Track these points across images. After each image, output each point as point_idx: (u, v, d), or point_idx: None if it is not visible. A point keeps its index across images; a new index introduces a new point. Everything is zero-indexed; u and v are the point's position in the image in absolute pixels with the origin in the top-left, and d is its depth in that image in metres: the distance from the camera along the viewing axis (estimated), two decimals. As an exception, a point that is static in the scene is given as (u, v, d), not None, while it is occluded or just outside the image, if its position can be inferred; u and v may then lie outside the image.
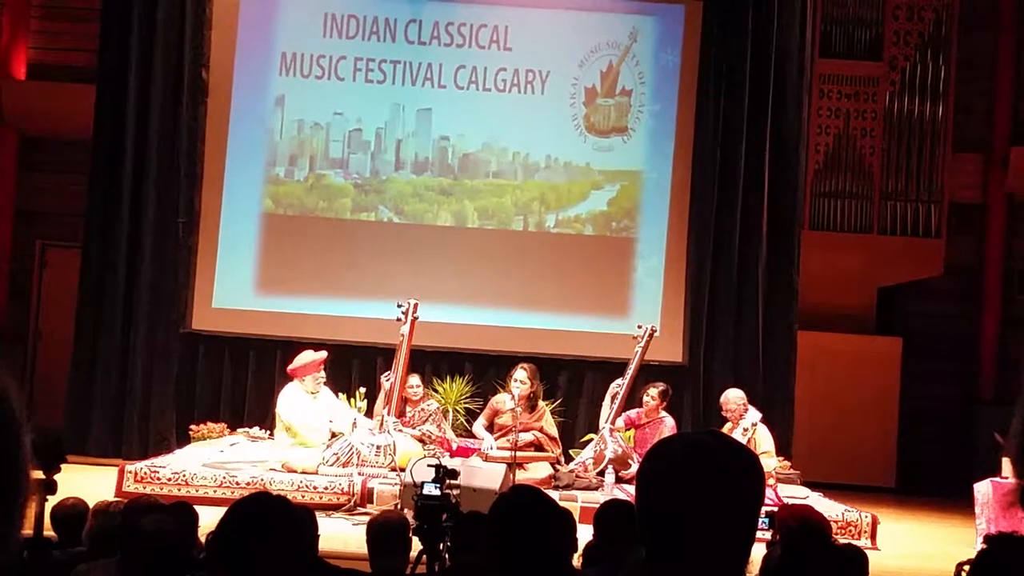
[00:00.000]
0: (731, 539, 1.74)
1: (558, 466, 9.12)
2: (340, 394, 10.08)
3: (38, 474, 3.87)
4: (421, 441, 9.22)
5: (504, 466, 8.26)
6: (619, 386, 9.36)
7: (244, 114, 11.19)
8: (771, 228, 11.01)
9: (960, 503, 9.61)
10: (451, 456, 8.92)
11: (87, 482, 7.89)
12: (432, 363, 10.92)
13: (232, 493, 8.12)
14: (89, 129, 10.91)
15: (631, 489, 7.78)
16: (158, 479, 8.56)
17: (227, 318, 11.04)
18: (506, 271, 11.16)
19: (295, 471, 8.72)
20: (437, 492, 5.13)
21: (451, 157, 11.30)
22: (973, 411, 12.05)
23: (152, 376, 10.74)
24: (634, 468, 8.67)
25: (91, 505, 4.77)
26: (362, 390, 10.38)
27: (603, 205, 11.26)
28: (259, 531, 2.29)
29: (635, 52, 11.27)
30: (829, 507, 8.55)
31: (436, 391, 10.57)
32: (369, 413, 9.56)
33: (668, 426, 9.40)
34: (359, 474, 8.56)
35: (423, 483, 5.21)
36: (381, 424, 8.93)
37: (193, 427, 10.44)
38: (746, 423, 8.87)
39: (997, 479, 8.30)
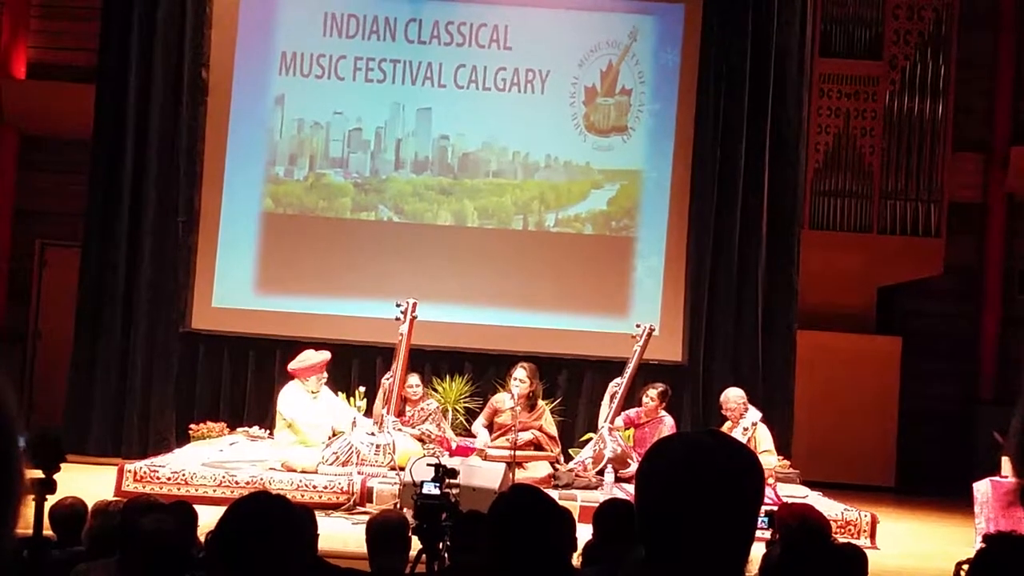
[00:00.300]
0: (730, 538, 1.74)
1: (557, 465, 9.11)
2: (339, 393, 10.08)
3: (37, 473, 3.87)
4: (420, 440, 9.22)
5: (503, 465, 8.26)
6: (618, 385, 9.36)
7: (244, 113, 11.19)
8: (771, 227, 11.00)
9: (960, 502, 9.61)
10: (450, 455, 8.91)
11: (86, 481, 7.89)
12: (431, 362, 10.91)
13: (231, 492, 8.12)
14: (89, 129, 10.91)
15: (630, 488, 7.78)
16: (157, 478, 8.56)
17: (227, 317, 11.03)
18: (506, 270, 11.16)
19: (294, 470, 8.72)
20: (436, 491, 5.13)
21: (451, 156, 11.30)
22: (973, 411, 12.04)
23: (152, 375, 10.73)
24: (633, 467, 8.66)
25: (90, 505, 4.77)
26: (361, 389, 10.38)
27: (603, 204, 11.26)
28: (258, 530, 2.29)
29: (635, 51, 11.27)
30: (829, 506, 8.54)
31: (435, 390, 10.57)
32: (368, 412, 9.55)
33: (667, 425, 9.40)
34: (358, 473, 8.56)
35: (422, 482, 5.21)
36: (381, 423, 8.92)
37: (193, 426, 10.44)
38: (746, 422, 8.87)
39: (997, 478, 8.30)
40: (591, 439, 9.60)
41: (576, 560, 4.15)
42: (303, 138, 11.29)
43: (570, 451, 10.06)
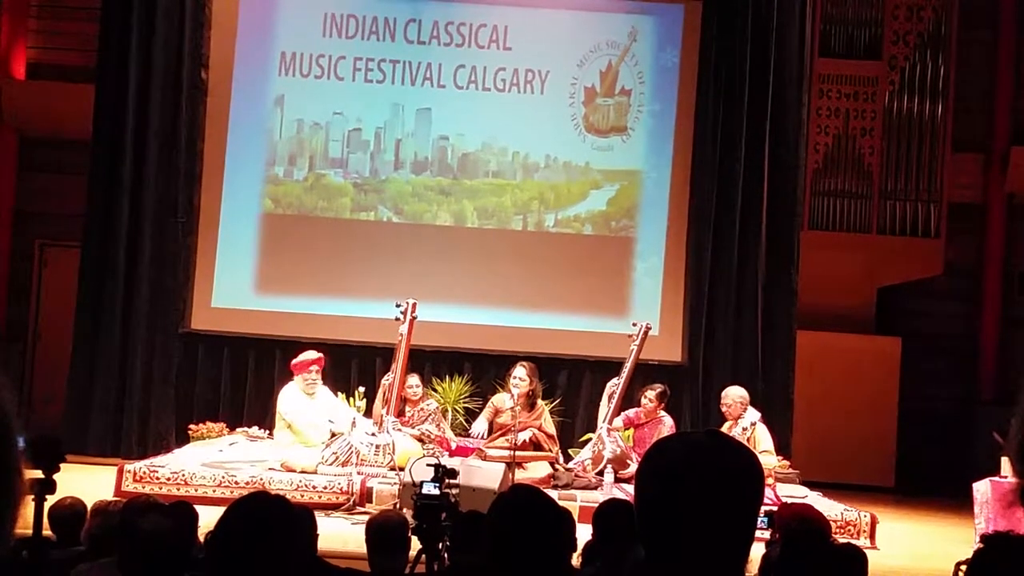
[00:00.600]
0: (730, 538, 1.74)
1: (557, 465, 9.11)
2: (339, 393, 10.09)
3: (37, 474, 3.87)
4: (420, 440, 9.23)
5: (503, 466, 8.26)
6: (615, 385, 9.36)
7: (243, 114, 11.19)
8: (770, 228, 11.00)
9: (959, 503, 9.61)
10: (450, 455, 8.91)
11: (86, 482, 7.88)
12: (431, 363, 10.91)
13: (231, 493, 8.11)
14: (88, 129, 10.91)
15: (630, 488, 7.78)
16: (157, 479, 8.56)
17: (226, 318, 11.04)
18: (505, 271, 11.15)
19: (294, 470, 8.72)
20: (436, 491, 5.13)
21: (450, 157, 11.30)
22: (972, 411, 12.04)
23: (151, 376, 10.74)
24: (633, 468, 8.66)
25: (90, 505, 4.76)
26: (361, 389, 10.38)
27: (602, 205, 11.26)
28: (258, 531, 2.29)
29: (634, 52, 11.27)
30: (828, 506, 8.54)
31: (435, 391, 10.57)
32: (368, 412, 9.55)
33: (667, 426, 9.40)
34: (358, 473, 8.56)
35: (422, 482, 5.21)
36: (380, 423, 8.92)
37: (192, 427, 10.44)
38: (745, 422, 8.86)
39: (996, 479, 8.30)
40: (590, 439, 9.60)
41: (576, 560, 4.15)
42: (303, 138, 11.29)
43: (569, 451, 10.06)
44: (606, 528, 4.62)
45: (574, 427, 10.75)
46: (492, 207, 11.28)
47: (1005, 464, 8.24)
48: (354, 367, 10.95)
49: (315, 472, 8.69)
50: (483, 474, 7.94)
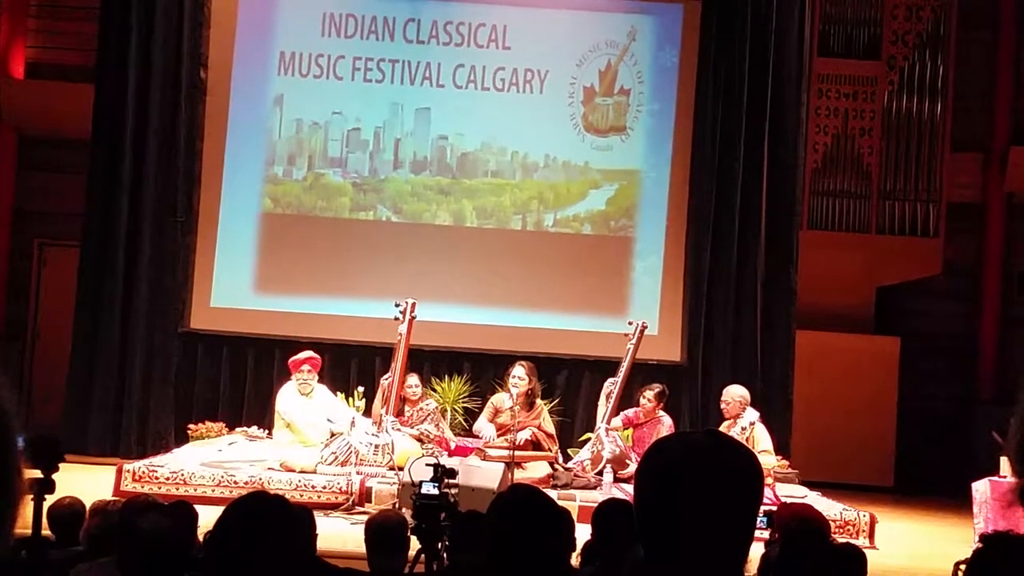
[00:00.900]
0: (729, 538, 1.74)
1: (556, 465, 9.11)
2: (338, 393, 10.09)
3: (36, 473, 3.87)
4: (419, 440, 9.22)
5: (502, 465, 8.26)
6: (613, 384, 9.36)
7: (243, 113, 11.19)
8: (769, 227, 11.01)
9: (958, 502, 9.61)
10: (449, 455, 8.91)
11: (85, 481, 7.88)
12: (430, 362, 10.91)
13: (230, 492, 8.11)
14: (88, 128, 10.91)
15: (630, 488, 7.78)
16: (156, 478, 8.55)
17: (225, 317, 11.03)
18: (504, 270, 11.15)
19: (293, 470, 8.72)
20: (435, 491, 5.13)
21: (450, 156, 11.30)
22: (972, 411, 12.04)
23: (150, 375, 10.74)
24: (632, 467, 8.66)
25: (89, 504, 4.76)
26: (360, 389, 10.38)
27: (601, 204, 11.26)
28: (257, 531, 2.29)
29: (634, 51, 11.27)
30: (827, 506, 8.54)
31: (434, 390, 10.57)
32: (367, 412, 9.55)
33: (666, 425, 9.40)
34: (357, 473, 8.56)
35: (421, 482, 5.21)
36: (379, 423, 8.92)
37: (191, 426, 10.43)
38: (744, 422, 8.86)
39: (995, 478, 8.30)
40: (589, 439, 9.60)
41: (575, 560, 4.15)
42: (302, 138, 11.29)
43: (569, 451, 10.06)
44: (605, 528, 4.62)
45: (573, 427, 10.75)
46: (491, 207, 11.28)
47: (1004, 464, 8.24)
48: (353, 367, 10.95)
49: (314, 472, 8.68)
50: (482, 474, 7.94)
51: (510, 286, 11.12)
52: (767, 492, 7.93)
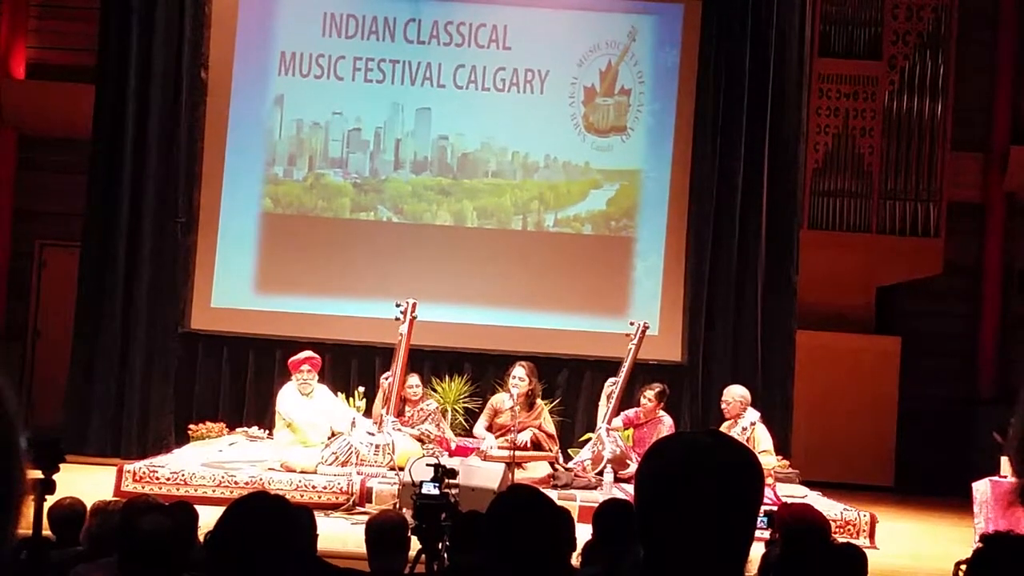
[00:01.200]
0: (730, 538, 1.74)
1: (557, 465, 9.11)
2: (339, 393, 10.08)
3: (36, 474, 3.87)
4: (420, 440, 9.22)
5: (503, 465, 8.26)
6: (614, 384, 9.36)
7: (243, 113, 11.19)
8: (770, 227, 11.01)
9: (959, 502, 9.60)
10: (450, 455, 8.91)
11: (85, 482, 7.88)
12: (431, 362, 10.91)
13: (231, 493, 8.11)
14: (88, 128, 10.91)
15: (630, 488, 7.78)
16: (157, 479, 8.56)
17: (226, 317, 11.04)
18: (505, 271, 11.16)
19: (294, 470, 8.72)
20: (436, 491, 5.13)
21: (450, 157, 11.30)
22: (972, 411, 12.04)
23: (151, 375, 10.73)
24: (633, 467, 8.66)
25: (89, 505, 4.76)
26: (361, 389, 10.38)
27: (602, 204, 11.26)
28: (257, 531, 2.29)
29: (634, 51, 11.27)
30: (828, 506, 8.54)
31: (435, 390, 10.57)
32: (368, 412, 9.55)
33: (667, 425, 9.40)
34: (358, 473, 8.56)
35: (422, 482, 5.21)
36: (380, 423, 8.93)
37: (192, 427, 10.44)
38: (745, 422, 8.86)
39: (996, 478, 8.30)
40: (590, 439, 9.60)
41: (575, 560, 4.15)
42: (302, 138, 11.29)
43: (569, 451, 10.06)
44: (606, 528, 4.63)
45: (574, 427, 10.75)
46: (492, 207, 11.28)
47: (1005, 464, 8.24)
48: (354, 367, 10.96)
49: (315, 472, 8.69)
50: (483, 474, 7.94)
51: (511, 286, 11.12)
52: (768, 492, 7.93)
